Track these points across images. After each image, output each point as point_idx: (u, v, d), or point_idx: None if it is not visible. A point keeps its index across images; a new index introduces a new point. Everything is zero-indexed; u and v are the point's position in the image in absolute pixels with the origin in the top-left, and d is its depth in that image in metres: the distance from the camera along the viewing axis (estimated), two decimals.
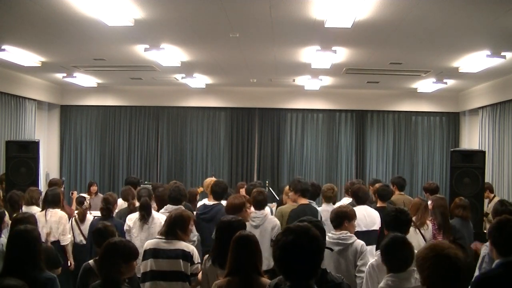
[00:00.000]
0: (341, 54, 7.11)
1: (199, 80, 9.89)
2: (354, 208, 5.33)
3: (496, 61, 6.87)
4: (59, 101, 11.38)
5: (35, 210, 5.80)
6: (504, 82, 8.63)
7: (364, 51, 7.02)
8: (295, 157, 11.46)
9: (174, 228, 3.91)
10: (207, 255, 3.72)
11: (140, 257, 4.94)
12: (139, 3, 4.97)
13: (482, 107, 9.69)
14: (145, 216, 5.00)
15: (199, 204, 5.88)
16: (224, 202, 5.47)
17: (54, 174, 11.06)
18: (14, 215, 5.30)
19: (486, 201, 7.44)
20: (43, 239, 4.58)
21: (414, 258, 3.12)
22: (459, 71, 7.90)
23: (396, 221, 3.49)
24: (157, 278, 3.80)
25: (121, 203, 6.18)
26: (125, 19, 5.31)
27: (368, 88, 10.69)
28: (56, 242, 5.59)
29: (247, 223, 4.93)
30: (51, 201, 5.70)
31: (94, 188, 8.38)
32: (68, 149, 11.62)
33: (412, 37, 6.14)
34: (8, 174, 7.17)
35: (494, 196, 7.47)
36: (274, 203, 6.92)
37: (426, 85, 9.64)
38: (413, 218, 4.77)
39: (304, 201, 5.36)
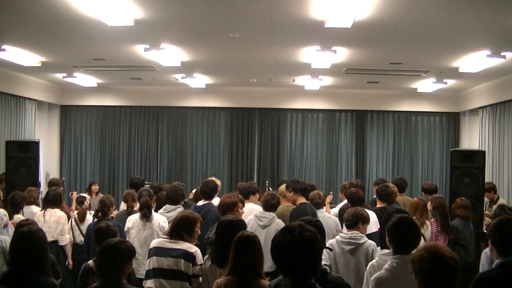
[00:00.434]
0: (341, 54, 7.11)
1: (199, 80, 9.88)
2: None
3: (496, 61, 6.87)
4: (59, 101, 11.38)
5: (35, 209, 5.82)
6: (504, 82, 8.63)
7: (364, 51, 7.02)
8: (295, 157, 11.46)
9: (179, 229, 3.90)
10: (206, 256, 3.73)
11: (140, 256, 5.00)
12: (139, 3, 4.97)
13: (482, 107, 9.69)
14: (147, 215, 5.02)
15: (202, 203, 5.88)
16: (215, 202, 5.50)
17: (54, 174, 11.07)
18: (15, 215, 5.34)
19: (488, 201, 7.43)
20: None
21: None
22: (459, 71, 7.90)
23: None
24: (158, 276, 3.81)
25: (123, 206, 6.18)
26: (125, 19, 5.31)
27: (368, 88, 10.69)
28: (55, 242, 5.60)
29: (255, 222, 4.97)
30: (51, 201, 5.71)
31: (95, 188, 8.37)
32: (68, 149, 11.63)
33: (412, 37, 6.13)
34: (8, 174, 7.17)
35: (498, 197, 7.44)
36: None
37: (426, 85, 9.64)
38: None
39: (304, 200, 5.37)
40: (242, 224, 3.72)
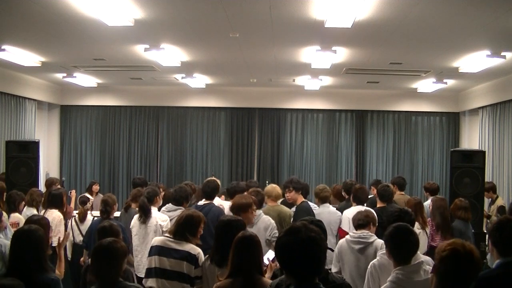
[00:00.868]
0: (341, 54, 7.11)
1: (199, 80, 9.88)
2: (352, 208, 5.36)
3: (496, 61, 6.87)
4: (59, 101, 11.38)
5: (35, 212, 5.78)
6: (504, 82, 8.63)
7: (364, 51, 7.02)
8: (295, 157, 11.46)
9: (183, 229, 3.86)
10: (206, 256, 3.72)
11: (140, 254, 5.00)
12: (139, 3, 4.97)
13: (482, 107, 9.69)
14: (143, 216, 5.05)
15: (203, 203, 5.88)
16: (216, 202, 5.50)
17: (54, 174, 11.06)
18: (12, 214, 5.32)
19: (488, 200, 7.44)
20: None
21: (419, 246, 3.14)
22: (459, 71, 7.90)
23: (399, 221, 3.48)
24: (160, 275, 3.80)
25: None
26: (125, 19, 5.31)
27: (368, 88, 10.69)
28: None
29: None
30: (52, 202, 5.69)
31: (96, 188, 8.36)
32: (68, 149, 11.63)
33: (412, 37, 6.13)
34: (8, 174, 7.17)
35: (497, 196, 7.45)
36: None
37: (426, 85, 9.64)
38: None
39: (303, 198, 5.41)
40: (242, 224, 3.71)
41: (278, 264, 3.41)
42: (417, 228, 4.83)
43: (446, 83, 9.14)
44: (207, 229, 4.34)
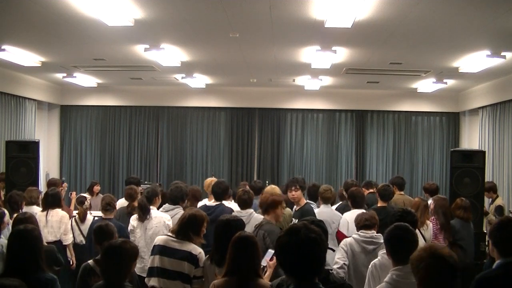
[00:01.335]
0: (341, 54, 7.11)
1: (199, 80, 9.88)
2: (350, 212, 5.35)
3: (496, 61, 6.87)
4: (59, 101, 11.38)
5: (36, 209, 5.81)
6: (504, 82, 8.63)
7: (364, 51, 7.02)
8: (295, 157, 11.46)
9: (187, 229, 3.85)
10: (207, 256, 3.73)
11: (146, 255, 4.99)
12: (139, 3, 4.97)
13: (482, 107, 9.69)
14: (142, 216, 5.02)
15: (203, 203, 5.88)
16: (226, 202, 5.48)
17: (54, 174, 11.06)
18: (15, 215, 5.32)
19: (488, 200, 7.44)
20: (44, 239, 4.59)
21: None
22: (459, 71, 7.90)
23: (401, 221, 3.48)
24: (161, 275, 3.81)
25: (122, 202, 6.18)
26: (125, 19, 5.31)
27: (368, 88, 10.69)
28: (58, 242, 5.60)
29: None
30: (51, 202, 5.71)
31: (97, 188, 8.36)
32: (68, 149, 11.62)
33: (412, 37, 6.13)
34: (8, 174, 7.17)
35: (497, 196, 7.45)
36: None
37: (426, 85, 9.63)
38: None
39: (304, 200, 5.42)
40: (241, 224, 3.72)
41: (275, 262, 3.43)
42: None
43: (446, 83, 9.14)
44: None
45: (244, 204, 5.02)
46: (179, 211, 5.13)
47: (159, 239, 3.96)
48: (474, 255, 5.56)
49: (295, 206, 5.61)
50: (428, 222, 5.34)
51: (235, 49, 7.07)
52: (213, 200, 5.53)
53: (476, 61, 7.07)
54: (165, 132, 11.60)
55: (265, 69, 8.76)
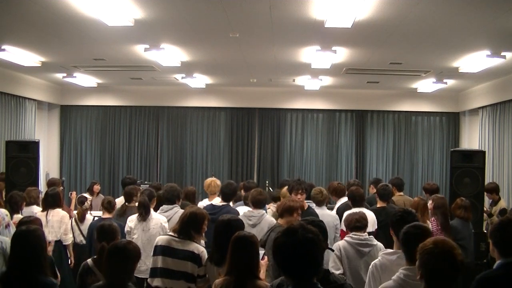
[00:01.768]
0: (341, 54, 7.11)
1: (199, 80, 9.88)
2: (352, 210, 5.34)
3: (496, 61, 6.86)
4: (59, 101, 11.38)
5: (36, 209, 5.82)
6: (504, 82, 8.63)
7: (364, 51, 7.02)
8: (295, 157, 11.46)
9: (188, 227, 3.85)
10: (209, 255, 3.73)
11: (142, 256, 4.97)
12: (139, 3, 4.97)
13: (482, 107, 9.69)
14: (143, 215, 5.01)
15: (204, 203, 5.88)
16: (214, 202, 5.49)
17: (54, 174, 11.06)
18: (15, 215, 5.33)
19: (488, 200, 7.43)
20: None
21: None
22: (459, 71, 7.90)
23: (402, 222, 3.47)
24: (164, 275, 3.81)
25: (120, 201, 6.16)
26: (125, 19, 5.30)
27: (368, 88, 10.69)
28: (58, 242, 5.60)
29: (244, 221, 4.95)
30: (51, 202, 5.70)
31: (97, 188, 8.35)
32: (68, 149, 11.62)
33: (412, 37, 6.13)
34: (8, 174, 7.17)
35: (499, 198, 7.42)
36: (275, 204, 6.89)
37: (426, 85, 9.63)
38: None
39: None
40: (241, 224, 3.73)
41: (267, 261, 3.44)
42: None
43: (446, 83, 9.14)
44: None
45: (259, 204, 5.03)
46: (177, 210, 5.14)
47: (161, 239, 3.95)
48: (474, 255, 5.56)
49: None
50: (428, 222, 5.34)
51: (235, 49, 7.07)
52: (214, 200, 5.53)
53: (476, 61, 7.07)
54: (165, 132, 11.60)
55: (265, 69, 8.76)
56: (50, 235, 5.54)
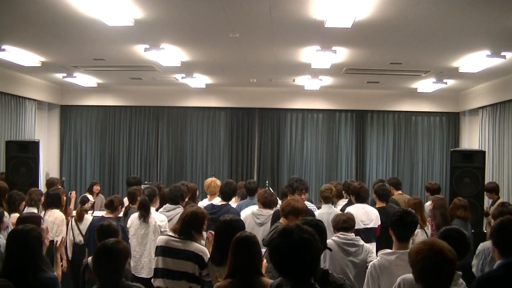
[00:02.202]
0: (341, 54, 7.11)
1: (199, 80, 9.88)
2: (353, 206, 5.37)
3: (496, 61, 6.86)
4: (59, 101, 11.38)
5: (35, 212, 5.79)
6: (504, 82, 8.63)
7: (364, 51, 7.02)
8: (295, 157, 11.46)
9: (189, 227, 3.83)
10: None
11: (137, 255, 4.99)
12: (139, 3, 4.97)
13: (482, 107, 9.69)
14: (144, 215, 5.02)
15: (204, 203, 5.88)
16: (232, 204, 5.49)
17: (54, 174, 11.06)
18: (12, 214, 5.32)
19: (490, 201, 7.43)
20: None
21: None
22: (459, 71, 7.90)
23: (401, 222, 3.47)
24: (166, 276, 3.81)
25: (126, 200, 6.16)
26: (125, 19, 5.30)
27: (368, 88, 10.68)
28: (52, 242, 5.59)
29: (252, 219, 4.95)
30: (51, 202, 5.70)
31: (97, 188, 8.35)
32: (68, 149, 11.62)
33: (412, 37, 6.13)
34: (8, 174, 7.17)
35: (498, 198, 7.42)
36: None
37: (426, 85, 9.63)
38: None
39: None
40: (242, 225, 3.72)
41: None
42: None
43: (446, 83, 9.14)
44: None
45: (268, 204, 5.04)
46: (180, 211, 5.13)
47: (161, 240, 3.96)
48: (473, 255, 5.55)
49: None
50: (426, 221, 5.36)
51: (235, 49, 7.07)
52: (215, 200, 5.52)
53: (476, 61, 7.07)
54: (165, 132, 11.60)
55: (265, 69, 8.76)
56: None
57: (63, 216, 5.72)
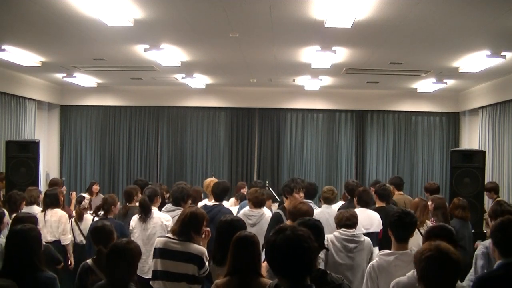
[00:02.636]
0: (341, 54, 7.11)
1: (199, 80, 9.88)
2: (356, 210, 5.35)
3: (496, 61, 6.86)
4: (59, 101, 11.38)
5: (36, 209, 5.81)
6: (504, 82, 8.63)
7: (364, 51, 7.02)
8: (295, 157, 11.46)
9: (188, 229, 3.81)
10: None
11: (144, 256, 4.97)
12: (139, 3, 4.97)
13: (482, 107, 9.69)
14: (143, 215, 5.00)
15: (200, 204, 5.88)
16: (225, 203, 5.47)
17: (54, 174, 11.06)
18: (14, 215, 5.32)
19: (490, 201, 7.42)
20: (43, 239, 4.58)
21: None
22: (459, 71, 7.90)
23: (399, 223, 3.47)
24: (165, 278, 3.79)
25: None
26: (125, 19, 5.30)
27: (368, 88, 10.68)
28: (57, 242, 5.59)
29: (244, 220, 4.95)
30: (49, 202, 5.70)
31: (96, 188, 8.35)
32: (68, 149, 11.63)
33: (412, 37, 6.13)
34: (8, 174, 7.17)
35: (497, 197, 7.43)
36: (275, 204, 6.90)
37: (426, 85, 9.63)
38: None
39: None
40: (242, 225, 3.72)
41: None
42: None
43: (446, 83, 9.14)
44: (214, 231, 4.31)
45: (259, 203, 5.04)
46: (180, 213, 5.12)
47: (159, 242, 3.93)
48: (473, 255, 5.55)
49: None
50: (428, 222, 5.33)
51: (235, 49, 7.07)
52: (213, 200, 5.52)
53: (476, 61, 7.07)
54: (165, 132, 11.60)
55: (265, 69, 8.76)
56: (49, 235, 5.54)
57: (66, 215, 5.74)
